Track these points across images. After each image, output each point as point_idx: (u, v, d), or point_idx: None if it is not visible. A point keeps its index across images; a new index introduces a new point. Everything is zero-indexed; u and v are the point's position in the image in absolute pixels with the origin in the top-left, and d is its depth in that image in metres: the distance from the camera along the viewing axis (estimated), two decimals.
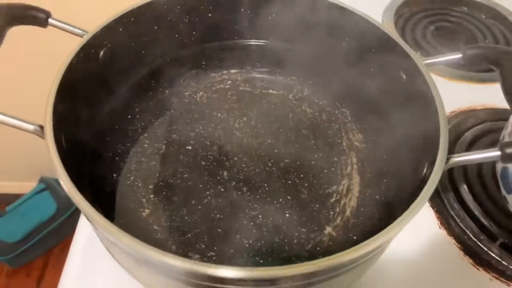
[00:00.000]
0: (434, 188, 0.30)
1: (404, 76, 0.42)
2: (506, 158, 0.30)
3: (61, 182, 0.30)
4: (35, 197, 1.23)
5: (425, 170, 0.35)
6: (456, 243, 0.44)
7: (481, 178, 0.48)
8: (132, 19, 0.43)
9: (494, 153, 0.31)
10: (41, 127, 0.32)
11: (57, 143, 0.32)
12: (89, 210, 0.28)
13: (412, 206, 0.29)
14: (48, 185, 1.23)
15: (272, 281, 0.26)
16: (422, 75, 0.39)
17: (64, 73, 0.35)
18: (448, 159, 0.32)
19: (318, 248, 0.39)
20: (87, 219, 0.29)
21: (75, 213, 1.18)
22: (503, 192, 0.42)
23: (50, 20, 0.39)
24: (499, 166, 0.43)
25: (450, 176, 0.49)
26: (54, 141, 0.31)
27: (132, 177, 0.43)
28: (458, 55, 0.39)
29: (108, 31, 0.41)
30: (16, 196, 1.23)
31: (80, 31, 0.39)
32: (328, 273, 0.28)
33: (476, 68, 0.61)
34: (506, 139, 0.41)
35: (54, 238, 1.23)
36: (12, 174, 1.31)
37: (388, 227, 0.28)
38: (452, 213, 0.46)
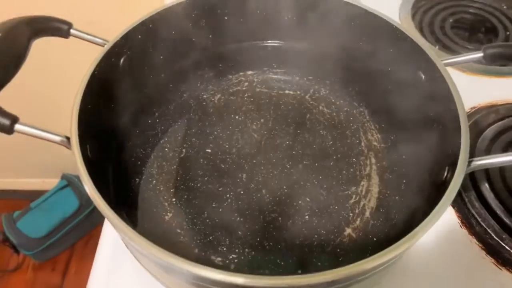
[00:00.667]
0: (455, 193, 0.30)
1: (423, 76, 0.42)
2: None
3: (88, 192, 0.31)
4: (58, 194, 1.25)
5: (445, 173, 0.34)
6: (477, 242, 0.44)
7: (504, 176, 0.47)
8: (151, 25, 0.43)
9: None
10: (67, 138, 0.33)
11: (82, 152, 0.33)
12: (116, 220, 0.29)
13: (433, 212, 0.29)
14: (70, 182, 1.25)
15: None
16: (441, 76, 0.38)
17: (87, 83, 0.36)
18: (469, 162, 0.32)
19: (338, 250, 0.40)
20: (114, 228, 0.30)
21: (97, 209, 1.20)
22: None
23: (72, 31, 0.40)
24: None
25: (471, 174, 0.48)
26: (80, 152, 0.32)
27: (154, 181, 0.44)
28: (479, 54, 0.38)
29: (128, 39, 0.41)
30: (39, 193, 1.26)
31: (100, 41, 0.40)
32: (349, 280, 0.28)
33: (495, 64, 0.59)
34: None
35: (77, 233, 1.26)
36: (35, 171, 1.34)
37: (410, 234, 0.28)
38: (473, 212, 0.45)
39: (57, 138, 0.33)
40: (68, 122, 0.34)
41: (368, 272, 0.28)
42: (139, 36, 0.43)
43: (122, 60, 0.42)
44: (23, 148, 1.17)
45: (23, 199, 1.29)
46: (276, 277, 0.25)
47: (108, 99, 0.41)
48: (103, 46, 0.40)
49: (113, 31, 0.41)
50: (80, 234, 1.28)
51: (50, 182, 1.28)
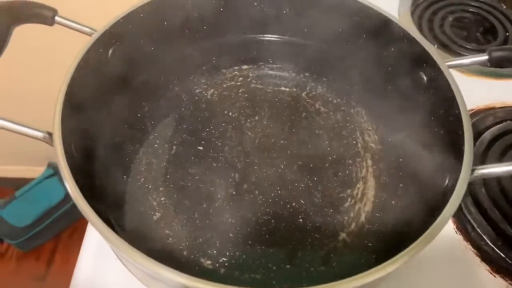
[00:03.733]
0: (458, 203, 0.29)
1: (425, 78, 0.40)
2: None
3: (69, 192, 0.29)
4: (44, 182, 1.23)
5: (446, 181, 0.33)
6: (472, 249, 0.43)
7: (500, 182, 0.47)
8: (142, 15, 0.41)
9: None
10: (50, 134, 0.31)
11: (66, 148, 0.31)
12: (100, 224, 0.27)
13: (435, 225, 0.28)
14: (57, 170, 1.23)
15: None
16: (445, 78, 0.37)
17: (72, 75, 0.34)
18: (472, 171, 0.31)
19: (332, 255, 0.39)
20: (97, 231, 0.28)
21: None
22: None
23: (56, 18, 0.37)
24: None
25: None
26: (63, 148, 0.30)
27: (142, 179, 0.42)
28: (484, 57, 0.37)
29: (117, 29, 0.39)
30: (24, 181, 1.24)
31: (88, 30, 0.38)
32: None
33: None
34: None
35: (63, 223, 1.25)
36: (20, 158, 1.31)
37: (409, 248, 0.27)
38: (469, 217, 0.44)
39: (39, 134, 0.31)
40: (51, 117, 0.32)
41: (363, 286, 0.27)
42: (130, 26, 0.41)
43: (110, 51, 0.40)
44: (8, 134, 1.14)
45: (7, 187, 1.26)
46: None
47: (95, 92, 0.38)
48: (90, 35, 0.38)
49: (102, 20, 0.39)
50: (66, 224, 1.26)
51: (36, 170, 1.25)
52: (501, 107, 0.55)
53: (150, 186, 0.42)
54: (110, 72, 0.40)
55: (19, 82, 0.95)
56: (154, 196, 0.41)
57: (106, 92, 0.41)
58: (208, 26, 0.48)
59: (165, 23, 0.44)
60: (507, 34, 0.65)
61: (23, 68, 0.88)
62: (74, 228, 1.27)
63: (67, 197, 1.19)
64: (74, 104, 0.34)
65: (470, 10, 0.69)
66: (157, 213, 0.40)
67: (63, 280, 0.41)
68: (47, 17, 0.37)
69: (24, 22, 0.36)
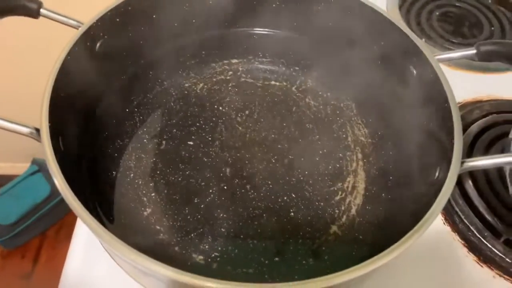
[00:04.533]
0: (449, 195, 0.29)
1: (414, 71, 0.41)
2: None
3: (59, 188, 0.28)
4: (29, 179, 1.21)
5: (437, 173, 0.34)
6: (460, 240, 0.44)
7: (487, 174, 0.47)
8: (129, 8, 0.40)
9: (510, 158, 0.30)
10: (37, 129, 0.31)
11: (53, 144, 0.30)
12: (90, 220, 0.27)
13: (426, 217, 0.28)
14: (41, 167, 1.21)
15: None
16: (434, 71, 0.37)
17: (59, 69, 0.33)
18: (462, 163, 0.31)
19: (323, 248, 0.39)
20: (87, 226, 0.28)
21: None
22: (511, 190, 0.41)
23: (42, 11, 0.36)
24: (509, 166, 0.42)
25: None
26: (51, 145, 0.30)
27: (131, 175, 0.42)
28: (472, 51, 0.38)
29: (105, 22, 0.38)
30: (8, 178, 1.21)
31: (75, 23, 0.37)
32: (338, 286, 0.27)
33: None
34: None
35: (48, 220, 1.23)
36: (4, 155, 1.29)
37: (399, 242, 0.27)
38: (457, 209, 0.45)
39: (26, 130, 0.31)
40: (38, 112, 0.31)
41: (354, 279, 0.27)
42: (117, 19, 0.40)
43: (98, 45, 0.39)
44: None
45: None
46: (254, 284, 0.24)
47: (82, 87, 0.38)
48: (77, 28, 0.37)
49: (89, 13, 0.38)
50: (52, 221, 1.24)
51: (20, 167, 1.23)
52: (487, 101, 0.56)
53: (140, 182, 0.41)
54: (98, 66, 0.39)
55: (4, 77, 0.93)
56: (144, 191, 0.41)
57: (94, 87, 0.40)
58: (197, 19, 0.47)
59: (154, 16, 0.43)
60: (493, 28, 0.66)
61: (8, 63, 0.86)
62: (60, 225, 1.25)
63: (52, 194, 1.17)
64: (61, 100, 0.33)
65: (457, 4, 0.70)
66: (147, 209, 0.40)
67: (49, 278, 0.41)
68: (32, 9, 0.36)
69: (8, 15, 0.35)
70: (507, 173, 0.42)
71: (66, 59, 0.34)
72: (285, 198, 0.41)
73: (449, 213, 0.46)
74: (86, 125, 0.40)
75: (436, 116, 0.37)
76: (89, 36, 0.37)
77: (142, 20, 0.42)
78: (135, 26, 0.42)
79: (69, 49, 0.35)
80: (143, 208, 0.40)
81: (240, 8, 0.48)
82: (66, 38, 0.35)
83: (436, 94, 0.36)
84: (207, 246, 0.38)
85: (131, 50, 0.43)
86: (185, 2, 0.45)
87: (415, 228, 0.27)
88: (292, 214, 0.40)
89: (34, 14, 0.36)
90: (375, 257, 0.25)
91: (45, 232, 1.26)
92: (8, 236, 1.16)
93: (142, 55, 0.45)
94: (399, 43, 0.41)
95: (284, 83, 0.50)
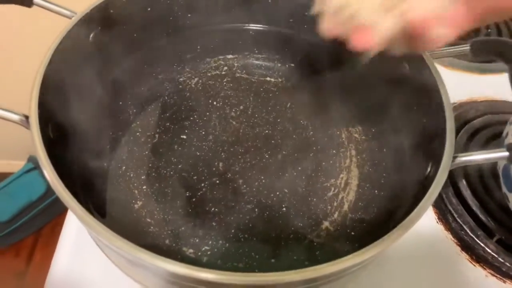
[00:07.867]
0: (439, 189, 0.29)
1: (408, 67, 0.40)
2: None
3: (47, 177, 0.28)
4: (24, 177, 1.20)
5: (429, 169, 0.33)
6: (453, 239, 0.44)
7: (481, 174, 0.47)
8: (124, 0, 0.40)
9: (502, 153, 0.30)
10: (26, 117, 0.30)
11: (43, 133, 0.30)
12: (79, 210, 0.26)
13: (417, 208, 0.28)
14: (37, 165, 1.20)
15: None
16: (427, 66, 0.37)
17: (50, 58, 0.33)
18: (454, 158, 0.31)
19: (315, 244, 0.38)
20: (76, 216, 0.28)
21: None
22: (504, 189, 0.41)
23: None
24: (501, 163, 0.42)
25: (449, 170, 0.48)
26: (40, 133, 0.29)
27: (123, 167, 0.42)
28: (466, 47, 0.38)
29: (99, 13, 0.38)
30: (4, 175, 1.21)
31: (68, 12, 0.37)
32: (328, 278, 0.27)
33: (480, 59, 0.59)
34: (510, 136, 0.40)
35: (43, 218, 1.22)
36: (0, 152, 1.28)
37: (390, 233, 0.27)
38: (450, 208, 0.45)
39: (15, 117, 0.30)
40: (28, 101, 0.31)
41: (343, 272, 0.27)
42: (111, 10, 0.40)
43: (92, 36, 0.39)
44: None
45: None
46: (244, 274, 0.24)
47: (74, 77, 0.37)
48: (70, 18, 0.37)
49: (83, 2, 0.38)
50: (47, 219, 1.24)
51: (16, 165, 1.23)
52: (482, 101, 0.56)
53: (131, 175, 0.41)
54: (91, 58, 0.39)
55: None
56: (135, 184, 0.41)
57: (87, 78, 0.40)
58: (192, 13, 0.47)
59: (149, 9, 0.43)
60: (489, 30, 0.66)
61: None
62: (55, 223, 1.24)
63: (47, 192, 1.17)
64: (52, 88, 0.33)
65: None
66: (138, 202, 0.40)
67: (43, 276, 0.40)
68: None
69: (2, 3, 0.35)
70: (500, 172, 0.42)
71: (58, 48, 0.34)
72: (277, 193, 0.41)
73: (442, 212, 0.45)
74: (78, 116, 0.40)
75: (430, 112, 0.37)
76: (82, 27, 0.37)
77: (137, 13, 0.42)
78: (129, 18, 0.42)
79: (61, 38, 0.35)
80: (134, 201, 0.40)
81: (236, 4, 0.47)
82: (59, 28, 0.35)
83: (429, 91, 0.36)
84: (197, 240, 0.38)
85: (125, 42, 0.43)
86: None
87: (401, 224, 0.27)
88: (284, 209, 0.40)
89: (28, 2, 0.36)
90: (359, 251, 0.25)
91: (40, 231, 1.25)
92: (2, 234, 1.15)
93: (136, 48, 0.45)
94: None
95: (280, 80, 0.50)
